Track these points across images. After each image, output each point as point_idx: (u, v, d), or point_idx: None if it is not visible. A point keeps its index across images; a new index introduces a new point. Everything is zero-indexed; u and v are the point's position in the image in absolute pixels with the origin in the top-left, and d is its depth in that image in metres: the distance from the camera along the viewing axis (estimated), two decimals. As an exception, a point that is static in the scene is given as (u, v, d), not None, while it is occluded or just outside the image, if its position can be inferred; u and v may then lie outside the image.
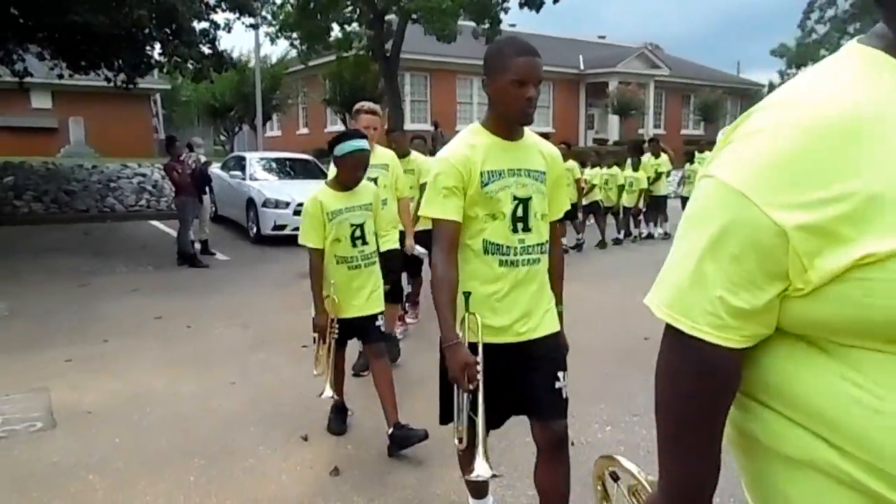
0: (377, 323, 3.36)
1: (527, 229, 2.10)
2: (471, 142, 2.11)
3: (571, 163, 9.14)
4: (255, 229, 10.44)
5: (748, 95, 35.37)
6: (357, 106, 4.12)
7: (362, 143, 3.17)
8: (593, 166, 10.49)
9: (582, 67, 28.62)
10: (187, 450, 3.30)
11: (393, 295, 4.23)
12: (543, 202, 2.14)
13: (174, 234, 9.07)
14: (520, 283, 2.11)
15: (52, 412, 3.75)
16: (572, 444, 3.32)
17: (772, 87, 47.92)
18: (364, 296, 3.30)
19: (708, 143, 12.30)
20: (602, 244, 10.14)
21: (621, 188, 10.42)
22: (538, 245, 2.14)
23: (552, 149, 2.24)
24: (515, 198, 2.09)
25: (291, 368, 4.54)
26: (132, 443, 3.38)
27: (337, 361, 3.40)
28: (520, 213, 2.10)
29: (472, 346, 2.05)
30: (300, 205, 9.68)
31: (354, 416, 3.68)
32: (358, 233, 3.26)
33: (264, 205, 10.17)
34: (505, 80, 1.98)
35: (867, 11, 33.55)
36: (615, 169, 10.49)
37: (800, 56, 37.89)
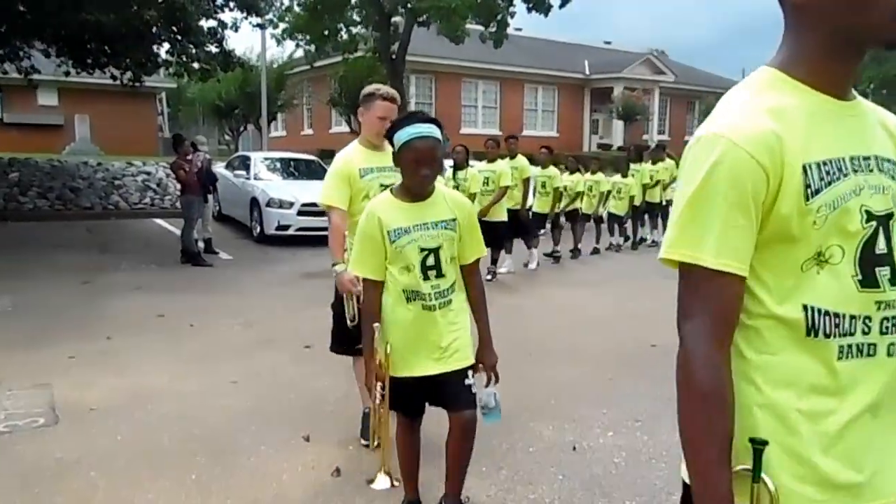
0: (467, 382, 2.39)
1: (895, 281, 1.04)
2: (770, 103, 1.02)
3: (552, 169, 8.98)
4: (258, 229, 10.46)
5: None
6: (370, 89, 3.22)
7: (427, 129, 2.29)
8: (572, 172, 9.92)
9: (587, 72, 28.66)
10: (189, 448, 3.30)
11: None
12: None
13: (178, 232, 9.10)
14: (881, 392, 1.04)
15: (54, 408, 3.75)
16: (574, 448, 3.34)
17: (777, 94, 47.89)
18: (441, 346, 2.36)
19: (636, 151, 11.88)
20: (576, 252, 9.66)
21: (604, 195, 10.05)
22: None
23: None
24: (871, 215, 1.03)
25: (294, 368, 4.55)
26: (134, 440, 3.38)
27: (403, 439, 2.57)
28: (881, 246, 1.03)
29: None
30: (304, 205, 9.95)
31: (355, 418, 3.67)
32: (430, 260, 2.33)
33: (268, 204, 10.19)
34: None
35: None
36: (599, 175, 10.12)
37: (805, 64, 37.83)
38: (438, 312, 2.36)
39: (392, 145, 2.38)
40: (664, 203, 10.77)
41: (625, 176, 10.37)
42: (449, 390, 2.39)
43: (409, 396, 2.44)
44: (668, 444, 3.44)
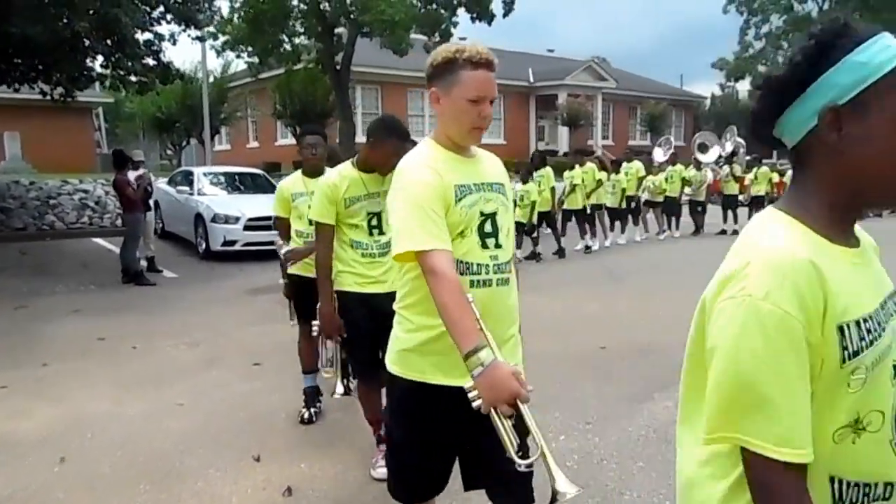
0: None
1: None
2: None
3: None
4: (203, 245, 10.21)
5: (691, 107, 36.59)
6: (447, 53, 1.85)
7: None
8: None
9: (532, 80, 29.12)
10: (132, 475, 3.17)
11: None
12: None
13: (118, 251, 8.79)
14: None
15: (-15, 442, 3.56)
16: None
17: (713, 98, 49.77)
18: None
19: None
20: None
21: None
22: None
23: None
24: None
25: (243, 387, 4.44)
26: (73, 470, 3.23)
27: None
28: None
29: None
30: (250, 220, 9.76)
31: (306, 434, 3.61)
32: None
33: (213, 220, 9.96)
34: None
35: (798, 28, 35.27)
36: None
37: (738, 69, 39.50)
38: None
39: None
40: (587, 208, 10.94)
41: (525, 182, 9.79)
42: None
43: None
44: (617, 445, 3.50)
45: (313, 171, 3.84)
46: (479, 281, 1.88)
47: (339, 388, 3.15)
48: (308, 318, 3.94)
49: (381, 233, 3.10)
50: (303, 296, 3.82)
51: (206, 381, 4.59)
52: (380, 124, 3.02)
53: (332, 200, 3.03)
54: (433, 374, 1.88)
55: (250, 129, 27.83)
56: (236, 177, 12.42)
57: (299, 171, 3.98)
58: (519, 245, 9.78)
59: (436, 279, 1.72)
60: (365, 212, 3.07)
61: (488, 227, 1.91)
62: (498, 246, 1.93)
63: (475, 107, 1.83)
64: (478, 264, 1.89)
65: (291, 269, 3.86)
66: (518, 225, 9.92)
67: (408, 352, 1.93)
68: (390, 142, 2.89)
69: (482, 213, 1.90)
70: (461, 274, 1.84)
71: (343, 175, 3.06)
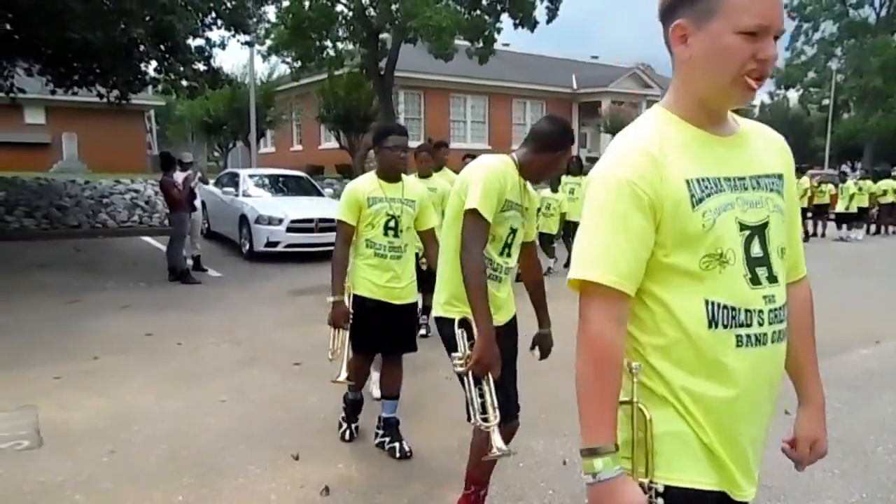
0: None
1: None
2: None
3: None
4: (247, 246, 10.42)
5: (739, 115, 35.75)
6: None
7: None
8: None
9: (575, 87, 28.91)
10: (176, 468, 3.26)
11: None
12: None
13: (165, 249, 9.06)
14: None
15: (38, 430, 3.70)
16: (564, 462, 3.32)
17: (762, 106, 48.56)
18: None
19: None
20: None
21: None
22: None
23: None
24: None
25: (283, 386, 4.51)
26: (120, 461, 3.34)
27: None
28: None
29: None
30: (293, 221, 9.94)
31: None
32: None
33: (257, 221, 10.16)
34: None
35: (852, 35, 34.18)
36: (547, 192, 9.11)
37: (788, 77, 38.46)
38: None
39: None
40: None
41: (554, 191, 9.23)
42: None
43: None
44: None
45: (395, 176, 3.43)
46: (749, 337, 1.20)
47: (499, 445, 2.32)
48: (365, 349, 3.51)
49: (509, 255, 2.54)
50: (364, 321, 3.36)
51: (247, 379, 4.68)
52: (561, 128, 2.44)
53: (499, 196, 2.31)
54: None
55: (294, 132, 28.34)
56: (280, 179, 12.65)
57: (373, 174, 3.47)
58: (551, 254, 9.12)
59: (584, 334, 1.20)
60: (509, 225, 2.46)
61: (756, 249, 1.21)
62: (772, 279, 1.22)
63: (750, 44, 1.15)
64: (746, 311, 1.19)
65: (357, 290, 3.38)
66: (545, 237, 8.69)
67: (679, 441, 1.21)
68: (568, 149, 2.48)
69: (743, 226, 1.20)
70: (724, 327, 1.18)
71: (510, 172, 2.39)
